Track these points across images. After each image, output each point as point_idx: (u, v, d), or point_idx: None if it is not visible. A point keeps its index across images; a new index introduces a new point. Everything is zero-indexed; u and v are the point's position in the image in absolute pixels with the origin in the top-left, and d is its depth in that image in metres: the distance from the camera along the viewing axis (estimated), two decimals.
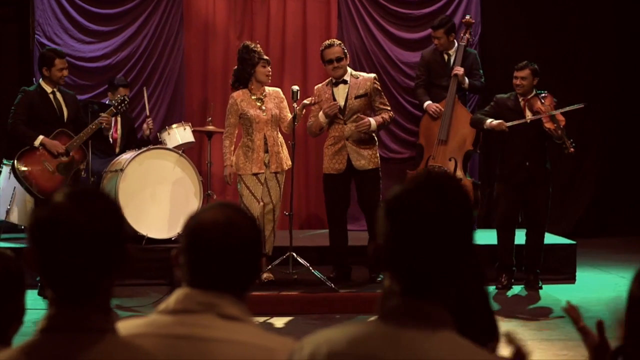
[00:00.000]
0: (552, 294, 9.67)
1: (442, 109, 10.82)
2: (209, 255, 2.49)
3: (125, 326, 2.53)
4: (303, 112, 9.54)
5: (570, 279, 10.24)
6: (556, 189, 12.16)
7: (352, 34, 11.82)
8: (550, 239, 10.60)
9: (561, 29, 12.73)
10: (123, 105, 9.76)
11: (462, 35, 11.03)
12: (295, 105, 9.26)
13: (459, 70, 10.78)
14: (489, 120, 9.81)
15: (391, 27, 11.89)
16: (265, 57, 9.49)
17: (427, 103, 10.95)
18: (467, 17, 11.29)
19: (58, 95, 9.43)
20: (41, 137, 9.26)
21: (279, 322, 8.45)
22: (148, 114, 11.15)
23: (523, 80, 9.84)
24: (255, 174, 9.34)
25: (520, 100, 9.88)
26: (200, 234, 2.51)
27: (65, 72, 9.46)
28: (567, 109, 9.83)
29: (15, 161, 9.35)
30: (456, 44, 11.00)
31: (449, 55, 11.05)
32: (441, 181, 2.18)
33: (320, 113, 9.41)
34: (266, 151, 9.39)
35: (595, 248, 11.79)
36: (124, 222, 2.38)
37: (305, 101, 9.43)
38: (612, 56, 12.92)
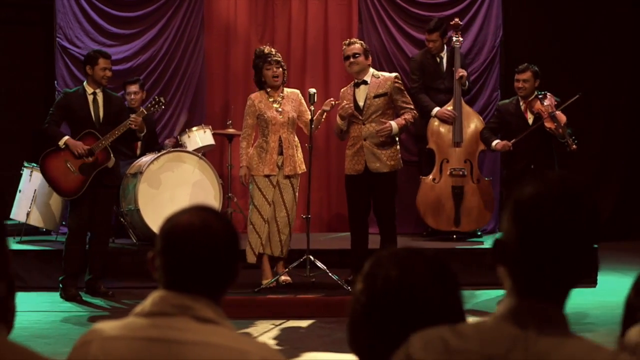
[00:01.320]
0: (571, 297, 9.57)
1: (456, 113, 10.83)
2: (183, 258, 2.50)
3: (102, 328, 2.54)
4: (323, 117, 9.53)
5: (591, 282, 10.13)
6: None
7: (373, 36, 11.80)
8: None
9: (584, 32, 12.65)
10: (157, 106, 9.72)
11: (454, 37, 11.01)
12: (313, 108, 9.25)
13: (463, 72, 10.82)
14: (494, 143, 9.86)
15: (412, 29, 11.86)
16: (274, 57, 9.50)
17: (437, 109, 10.98)
18: (456, 19, 11.25)
19: (99, 96, 9.43)
20: (66, 137, 9.30)
21: (296, 324, 8.44)
22: (175, 135, 11.19)
23: (525, 83, 9.87)
24: (267, 176, 9.36)
25: (521, 103, 9.86)
26: (175, 236, 2.51)
27: (109, 73, 9.46)
28: (566, 104, 9.81)
29: (40, 161, 9.40)
30: (445, 47, 11.11)
31: (441, 58, 11.11)
32: (576, 188, 2.18)
33: (337, 116, 9.41)
34: (280, 153, 9.40)
35: (618, 252, 11.69)
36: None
37: (324, 107, 9.41)
38: (637, 59, 12.82)
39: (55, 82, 11.27)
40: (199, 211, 2.56)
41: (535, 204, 2.15)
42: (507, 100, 10.07)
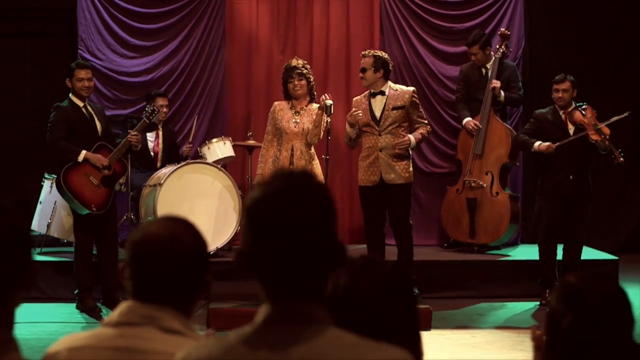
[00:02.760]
0: None
1: (480, 126, 10.80)
2: (150, 269, 2.52)
3: (71, 339, 2.55)
4: (328, 121, 9.49)
5: None
6: (605, 204, 12.02)
7: (394, 47, 11.77)
8: (592, 254, 10.48)
9: (609, 41, 12.57)
10: (153, 115, 9.75)
11: (497, 47, 11.00)
12: (329, 120, 9.24)
13: (496, 83, 10.75)
14: (537, 144, 9.70)
15: (433, 40, 11.82)
16: (297, 70, 9.55)
17: (466, 120, 10.99)
18: (503, 29, 11.24)
19: (90, 108, 9.45)
20: (84, 152, 9.28)
21: None
22: (191, 139, 11.21)
23: (565, 93, 9.76)
24: None
25: (561, 113, 9.77)
26: (143, 247, 2.53)
27: (87, 83, 9.37)
28: (613, 119, 9.71)
29: (62, 178, 9.30)
30: (492, 57, 10.99)
31: (487, 69, 11.05)
32: (297, 181, 2.20)
33: (347, 123, 9.43)
34: (291, 163, 9.39)
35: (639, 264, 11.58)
36: None
37: (321, 111, 9.45)
38: None
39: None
40: (168, 222, 2.57)
41: (260, 205, 2.16)
42: (544, 110, 9.98)
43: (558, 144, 9.58)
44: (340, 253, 2.19)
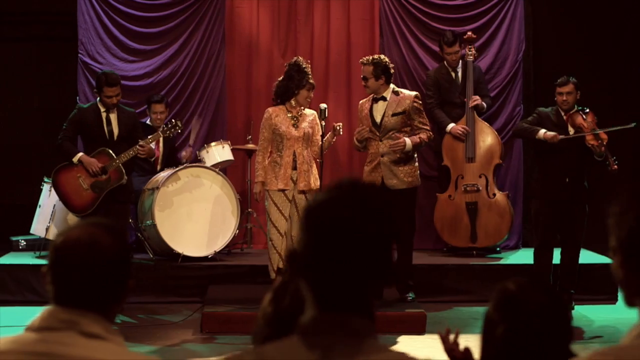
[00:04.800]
0: (587, 314, 9.49)
1: (469, 129, 10.81)
2: (70, 273, 2.53)
3: None
4: (334, 140, 9.44)
5: (612, 299, 9.97)
6: (604, 208, 11.93)
7: (394, 51, 11.74)
8: (590, 257, 10.42)
9: (614, 44, 12.50)
10: (173, 130, 9.80)
11: (466, 51, 11.00)
12: (324, 123, 9.19)
13: (477, 100, 10.87)
14: (542, 131, 9.55)
15: (433, 44, 11.78)
16: (312, 81, 9.39)
17: (451, 126, 11.02)
18: (469, 33, 11.25)
19: (112, 113, 9.45)
20: (80, 154, 9.34)
21: None
22: (191, 143, 11.21)
23: (569, 96, 9.68)
24: (282, 190, 9.24)
25: (563, 114, 9.73)
26: (63, 251, 2.55)
27: (115, 100, 9.40)
28: (615, 128, 9.62)
29: (52, 175, 9.46)
30: (460, 61, 11.09)
31: (456, 72, 11.09)
32: (363, 190, 2.16)
33: (354, 138, 9.46)
34: (294, 168, 9.30)
35: None
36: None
37: (335, 132, 9.31)
38: None
39: (77, 97, 11.33)
40: (90, 227, 2.58)
41: (324, 209, 2.12)
42: (547, 109, 9.93)
43: (563, 136, 9.49)
44: (391, 269, 2.17)
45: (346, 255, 2.08)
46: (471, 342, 8.38)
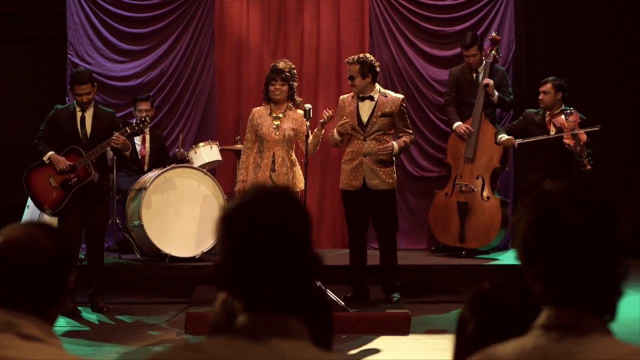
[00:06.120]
0: None
1: (472, 130, 10.77)
2: (8, 274, 2.50)
3: None
4: (322, 132, 9.40)
5: None
6: None
7: (384, 51, 11.73)
8: None
9: (607, 45, 12.46)
10: (142, 125, 9.75)
11: (488, 52, 10.97)
12: (308, 124, 9.16)
13: (489, 81, 10.70)
14: (499, 136, 9.76)
15: (423, 44, 11.77)
16: (282, 74, 9.41)
17: (457, 124, 10.98)
18: (494, 34, 11.20)
19: (88, 113, 9.41)
20: (50, 152, 9.34)
21: None
22: (180, 145, 11.13)
23: (545, 95, 9.82)
24: None
25: (546, 115, 9.76)
26: (1, 252, 2.51)
27: (85, 98, 9.32)
28: (587, 130, 9.73)
29: (24, 175, 9.47)
30: (484, 61, 10.96)
31: (478, 73, 11.00)
32: (273, 192, 2.17)
33: (335, 130, 9.31)
34: (273, 170, 9.30)
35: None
36: None
37: (321, 120, 9.31)
38: None
39: (66, 98, 11.31)
40: (29, 227, 2.57)
41: (237, 215, 2.13)
42: (534, 110, 9.99)
43: (520, 141, 9.60)
44: (316, 264, 2.16)
45: (265, 257, 2.09)
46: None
